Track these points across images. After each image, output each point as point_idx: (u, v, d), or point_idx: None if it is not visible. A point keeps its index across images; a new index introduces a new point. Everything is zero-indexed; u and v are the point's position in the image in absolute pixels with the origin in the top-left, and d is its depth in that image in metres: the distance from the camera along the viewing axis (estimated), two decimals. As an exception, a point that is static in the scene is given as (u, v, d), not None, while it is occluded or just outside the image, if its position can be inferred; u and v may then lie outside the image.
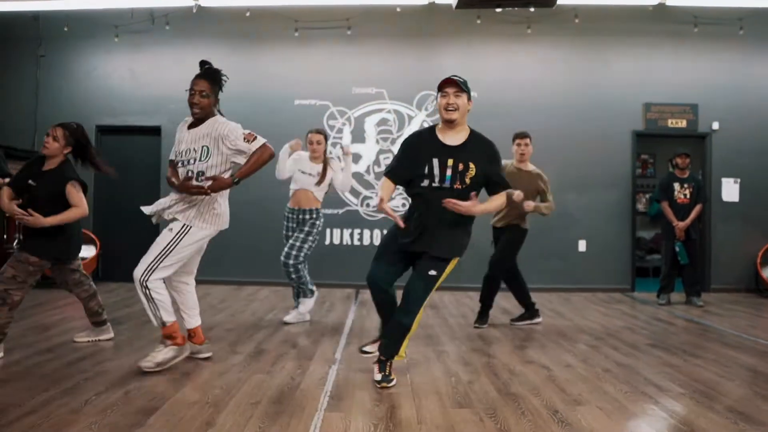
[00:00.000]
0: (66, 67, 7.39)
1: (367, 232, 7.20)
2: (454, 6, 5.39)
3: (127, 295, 5.96)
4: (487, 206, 3.02)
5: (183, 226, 3.22)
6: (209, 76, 3.27)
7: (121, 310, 5.19)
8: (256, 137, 3.22)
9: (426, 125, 7.18)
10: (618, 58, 7.26)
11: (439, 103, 3.04)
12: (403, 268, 3.17)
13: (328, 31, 7.18)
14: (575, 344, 4.20)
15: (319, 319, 5.01)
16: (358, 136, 7.20)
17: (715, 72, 7.20)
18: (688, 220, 6.07)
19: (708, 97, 7.16)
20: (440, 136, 3.06)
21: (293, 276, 4.65)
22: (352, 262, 7.01)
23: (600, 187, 7.17)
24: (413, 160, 3.04)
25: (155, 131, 7.20)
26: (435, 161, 2.98)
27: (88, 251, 6.84)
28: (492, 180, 3.05)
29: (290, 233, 4.77)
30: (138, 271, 3.14)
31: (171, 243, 3.18)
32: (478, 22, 7.10)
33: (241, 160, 3.22)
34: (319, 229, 4.77)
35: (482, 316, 4.84)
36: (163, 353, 3.26)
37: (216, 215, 3.30)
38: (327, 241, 7.12)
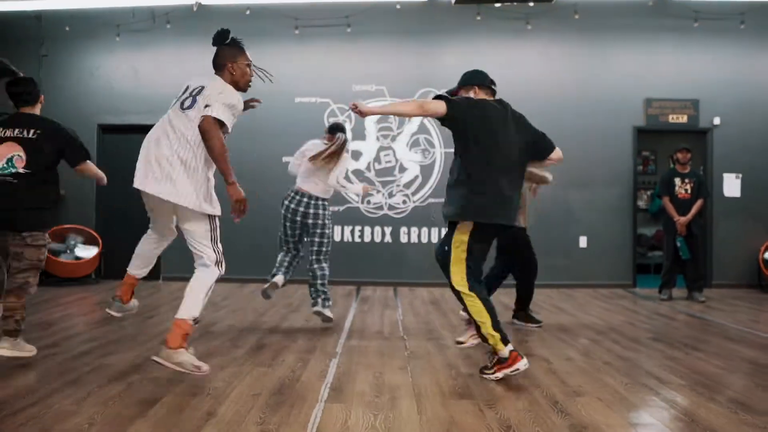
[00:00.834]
0: (68, 67, 7.42)
1: (368, 229, 7.21)
2: (453, 2, 5.41)
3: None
4: (372, 107, 3.24)
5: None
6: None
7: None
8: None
9: (426, 123, 7.21)
10: (618, 53, 7.25)
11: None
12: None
13: (328, 28, 7.20)
14: (576, 338, 4.20)
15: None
16: (359, 134, 7.20)
17: (716, 67, 7.18)
18: (689, 216, 6.06)
19: (709, 92, 7.15)
20: None
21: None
22: (353, 259, 7.01)
23: (601, 184, 7.16)
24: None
25: (157, 130, 7.20)
26: None
27: (90, 250, 6.87)
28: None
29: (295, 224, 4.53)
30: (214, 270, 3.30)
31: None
32: (478, 18, 7.10)
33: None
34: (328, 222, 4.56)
35: (531, 318, 4.69)
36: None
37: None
38: (328, 239, 7.12)
